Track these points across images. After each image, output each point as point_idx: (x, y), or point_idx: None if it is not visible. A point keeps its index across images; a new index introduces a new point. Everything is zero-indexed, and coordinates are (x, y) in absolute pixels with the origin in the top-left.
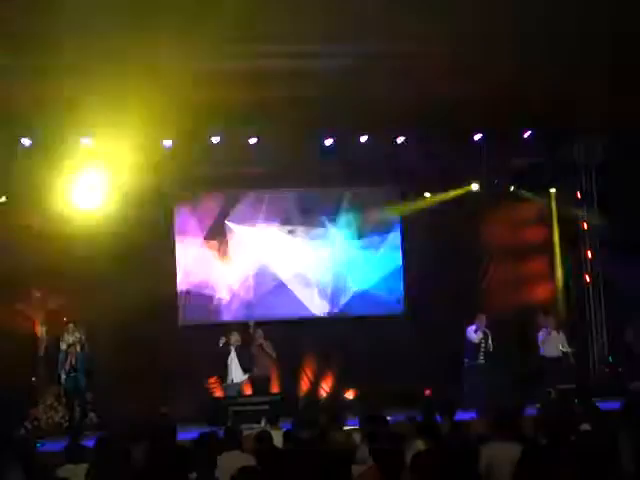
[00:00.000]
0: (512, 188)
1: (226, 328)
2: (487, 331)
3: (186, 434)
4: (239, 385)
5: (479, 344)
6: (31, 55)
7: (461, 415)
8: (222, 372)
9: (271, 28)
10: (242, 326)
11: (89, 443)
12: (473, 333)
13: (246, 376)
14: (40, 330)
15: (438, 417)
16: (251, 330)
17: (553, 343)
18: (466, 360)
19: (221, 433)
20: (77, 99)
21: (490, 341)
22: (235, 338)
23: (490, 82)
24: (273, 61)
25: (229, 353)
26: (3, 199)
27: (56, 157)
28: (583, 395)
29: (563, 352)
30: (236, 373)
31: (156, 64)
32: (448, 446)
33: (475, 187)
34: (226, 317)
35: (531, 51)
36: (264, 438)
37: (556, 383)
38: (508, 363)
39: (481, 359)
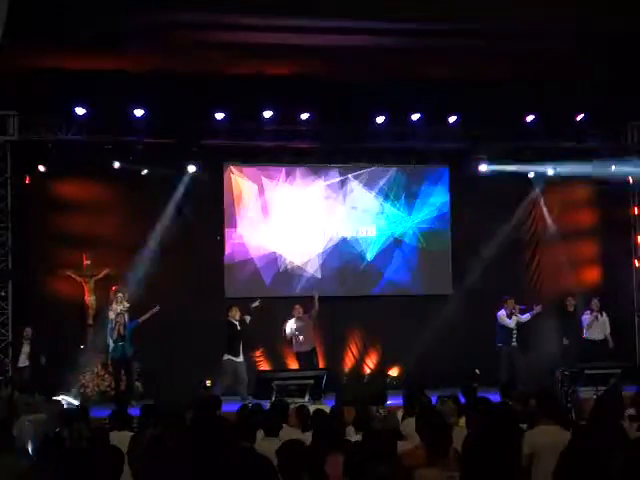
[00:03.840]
0: (561, 171)
1: (232, 303)
2: (517, 314)
3: (230, 406)
4: (240, 364)
5: (512, 328)
6: None
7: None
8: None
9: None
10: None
11: (134, 411)
12: (507, 318)
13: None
14: (89, 298)
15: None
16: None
17: (599, 326)
18: (499, 345)
19: (265, 406)
20: None
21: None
22: (232, 313)
23: (543, 65)
24: (319, 36)
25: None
26: None
27: None
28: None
29: (606, 335)
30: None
31: None
32: (493, 426)
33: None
34: (274, 291)
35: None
36: (304, 412)
37: (600, 367)
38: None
39: (514, 342)
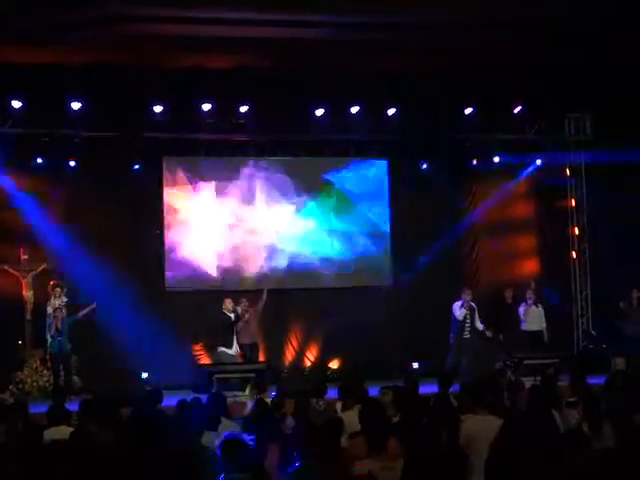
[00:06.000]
0: (500, 163)
1: (223, 296)
2: (473, 305)
3: (170, 400)
4: (233, 356)
5: (464, 320)
6: None
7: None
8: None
9: None
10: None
11: (72, 406)
12: (458, 310)
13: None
14: (27, 293)
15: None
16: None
17: (534, 317)
18: (452, 335)
19: (204, 400)
20: None
21: (477, 315)
22: (225, 305)
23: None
24: (259, 29)
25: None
26: None
27: None
28: (571, 368)
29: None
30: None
31: None
32: (430, 417)
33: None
34: (213, 285)
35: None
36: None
37: (539, 357)
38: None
39: (466, 334)
